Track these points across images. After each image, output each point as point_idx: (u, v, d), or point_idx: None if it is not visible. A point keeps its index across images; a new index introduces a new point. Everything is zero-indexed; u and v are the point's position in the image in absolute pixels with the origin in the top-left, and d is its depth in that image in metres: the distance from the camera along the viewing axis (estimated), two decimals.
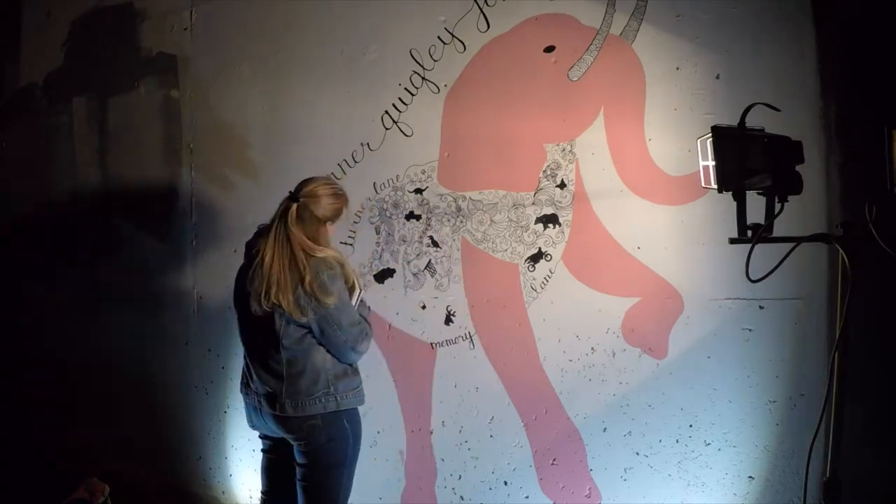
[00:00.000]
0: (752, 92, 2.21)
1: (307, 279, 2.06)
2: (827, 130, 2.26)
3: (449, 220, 2.70)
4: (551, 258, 2.59)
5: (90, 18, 3.37)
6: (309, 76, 2.88)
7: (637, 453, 2.54)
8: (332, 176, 2.85)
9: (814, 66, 2.27)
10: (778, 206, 1.71)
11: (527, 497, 2.68)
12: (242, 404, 3.05)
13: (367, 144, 2.80)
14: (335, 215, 2.21)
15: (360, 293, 2.27)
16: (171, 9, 3.14)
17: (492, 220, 2.65)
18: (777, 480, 2.38)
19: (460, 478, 2.76)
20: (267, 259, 2.09)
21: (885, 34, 2.18)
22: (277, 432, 2.25)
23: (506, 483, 2.71)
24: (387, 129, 2.77)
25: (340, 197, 2.21)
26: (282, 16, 2.93)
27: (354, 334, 2.17)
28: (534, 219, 2.60)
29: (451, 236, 2.70)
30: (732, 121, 1.74)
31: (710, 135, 1.74)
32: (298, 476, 2.23)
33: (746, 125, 1.71)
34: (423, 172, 2.73)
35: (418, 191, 2.73)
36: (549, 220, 2.58)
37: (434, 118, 2.69)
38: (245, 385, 2.31)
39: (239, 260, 3.00)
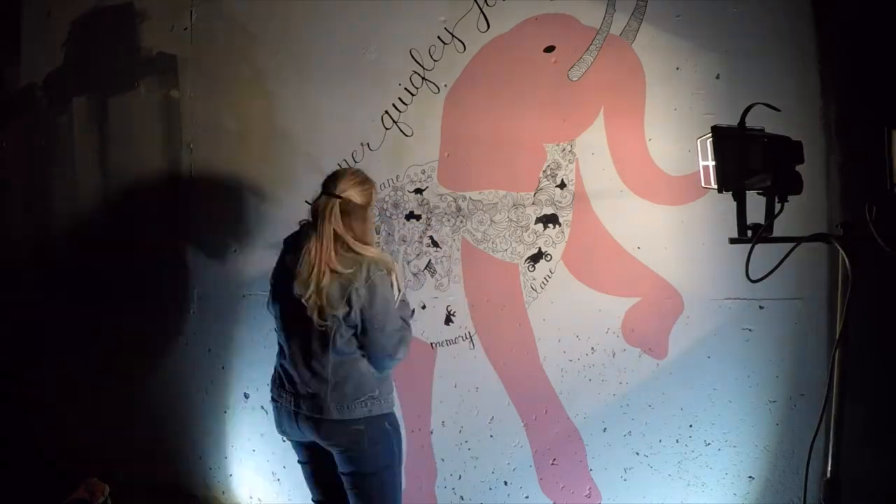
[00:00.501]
0: (752, 92, 2.21)
1: (361, 276, 2.04)
2: (827, 130, 2.27)
3: (449, 220, 2.70)
4: (551, 258, 2.59)
5: (90, 18, 3.37)
6: (309, 76, 2.88)
7: (637, 453, 2.54)
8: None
9: (814, 66, 2.27)
10: (778, 206, 1.71)
11: (527, 497, 2.68)
12: (243, 405, 3.07)
13: (367, 144, 2.80)
14: (372, 199, 2.18)
15: (400, 294, 2.20)
16: (171, 9, 3.14)
17: (492, 220, 2.65)
18: (777, 480, 2.38)
19: (460, 478, 2.76)
20: (313, 252, 2.04)
21: (885, 34, 2.19)
22: (310, 437, 2.17)
23: (506, 483, 2.71)
24: (387, 129, 2.77)
25: (369, 182, 2.18)
26: (282, 16, 2.93)
27: (395, 341, 2.13)
28: (534, 219, 2.60)
29: (451, 236, 2.70)
30: (732, 121, 1.74)
31: (710, 135, 1.74)
32: (347, 485, 2.17)
33: (746, 125, 1.71)
34: (423, 172, 2.73)
35: (418, 191, 2.73)
36: (549, 220, 2.58)
37: (434, 118, 2.69)
38: (279, 387, 2.21)
39: (239, 260, 3.01)
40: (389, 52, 2.74)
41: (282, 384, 2.20)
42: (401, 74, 2.73)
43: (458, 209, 2.69)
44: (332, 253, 2.03)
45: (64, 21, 3.42)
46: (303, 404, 2.13)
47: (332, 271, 2.03)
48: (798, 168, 1.70)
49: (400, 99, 2.73)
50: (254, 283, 2.99)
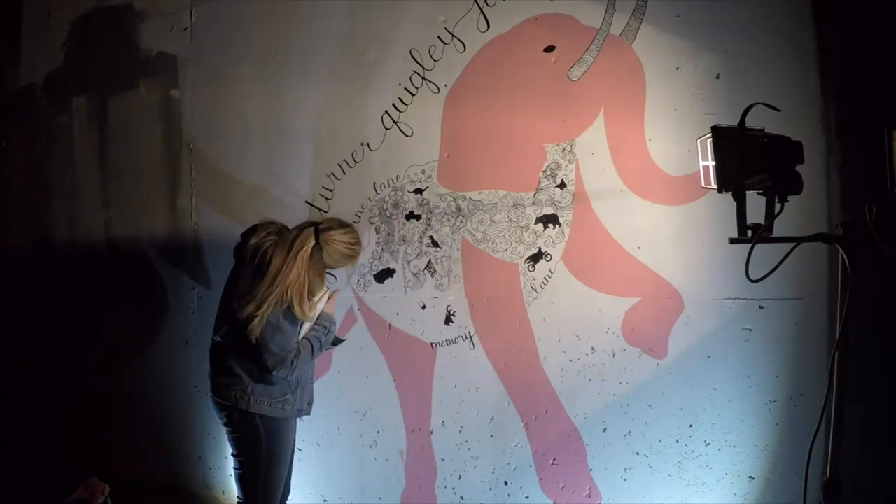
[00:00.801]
0: (752, 92, 2.21)
1: (268, 310, 2.17)
2: (827, 130, 2.27)
3: (449, 220, 2.70)
4: (551, 258, 2.59)
5: (90, 18, 3.37)
6: (309, 76, 2.88)
7: (637, 453, 2.54)
8: (333, 176, 2.85)
9: (814, 66, 2.27)
10: (778, 206, 1.71)
11: (527, 497, 2.68)
12: None
13: (367, 144, 2.80)
14: (339, 266, 2.34)
15: (315, 321, 2.35)
16: (171, 9, 3.14)
17: (492, 220, 2.65)
18: (777, 480, 2.38)
19: (460, 478, 2.75)
20: (272, 286, 2.16)
21: (885, 34, 2.19)
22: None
23: (506, 483, 2.71)
24: (387, 129, 2.77)
25: (352, 258, 2.32)
26: (282, 16, 2.93)
27: (274, 361, 2.23)
28: (534, 219, 2.60)
29: (451, 236, 2.70)
30: (732, 121, 1.74)
31: (710, 135, 1.73)
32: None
33: (746, 125, 1.71)
34: (423, 172, 2.73)
35: (418, 191, 2.73)
36: (549, 220, 2.58)
37: (434, 118, 2.69)
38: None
39: None
40: (389, 52, 2.74)
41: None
42: (401, 74, 2.73)
43: (458, 209, 2.69)
44: (277, 285, 2.16)
45: (64, 21, 3.42)
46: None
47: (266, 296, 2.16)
48: (798, 168, 1.70)
49: (400, 99, 2.73)
50: None
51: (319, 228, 2.24)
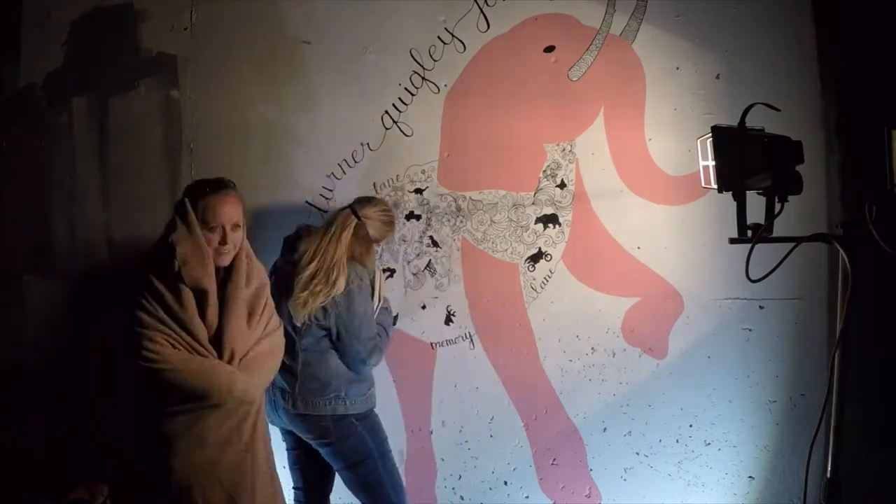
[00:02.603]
0: (752, 92, 2.21)
1: (339, 286, 2.13)
2: (827, 130, 2.27)
3: (449, 220, 2.70)
4: (551, 258, 2.59)
5: (90, 18, 3.37)
6: (309, 76, 2.88)
7: (637, 453, 2.54)
8: (333, 176, 2.85)
9: (814, 66, 2.27)
10: (778, 206, 1.71)
11: (527, 497, 2.68)
12: None
13: (367, 144, 2.79)
14: (383, 238, 2.35)
15: (381, 303, 2.35)
16: (171, 9, 3.14)
17: (492, 220, 2.65)
18: (777, 480, 2.38)
19: (460, 478, 2.75)
20: (311, 265, 2.14)
21: (885, 34, 2.19)
22: (291, 428, 2.30)
23: (506, 483, 2.71)
24: (387, 129, 2.76)
25: (391, 225, 2.34)
26: (281, 16, 2.93)
27: (369, 348, 2.24)
28: (534, 219, 2.60)
29: (451, 236, 2.70)
30: (732, 121, 1.74)
31: (710, 135, 1.74)
32: (340, 476, 2.32)
33: (746, 125, 1.72)
34: (423, 172, 2.73)
35: (418, 191, 2.73)
36: (549, 220, 2.58)
37: (434, 118, 2.69)
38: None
39: None
40: (389, 52, 2.74)
41: None
42: (401, 74, 2.72)
43: (458, 209, 2.69)
44: (326, 264, 2.14)
45: (64, 21, 3.42)
46: (278, 396, 2.24)
47: (318, 283, 2.12)
48: (798, 168, 1.70)
49: (400, 99, 2.73)
50: None
51: (354, 208, 2.26)
